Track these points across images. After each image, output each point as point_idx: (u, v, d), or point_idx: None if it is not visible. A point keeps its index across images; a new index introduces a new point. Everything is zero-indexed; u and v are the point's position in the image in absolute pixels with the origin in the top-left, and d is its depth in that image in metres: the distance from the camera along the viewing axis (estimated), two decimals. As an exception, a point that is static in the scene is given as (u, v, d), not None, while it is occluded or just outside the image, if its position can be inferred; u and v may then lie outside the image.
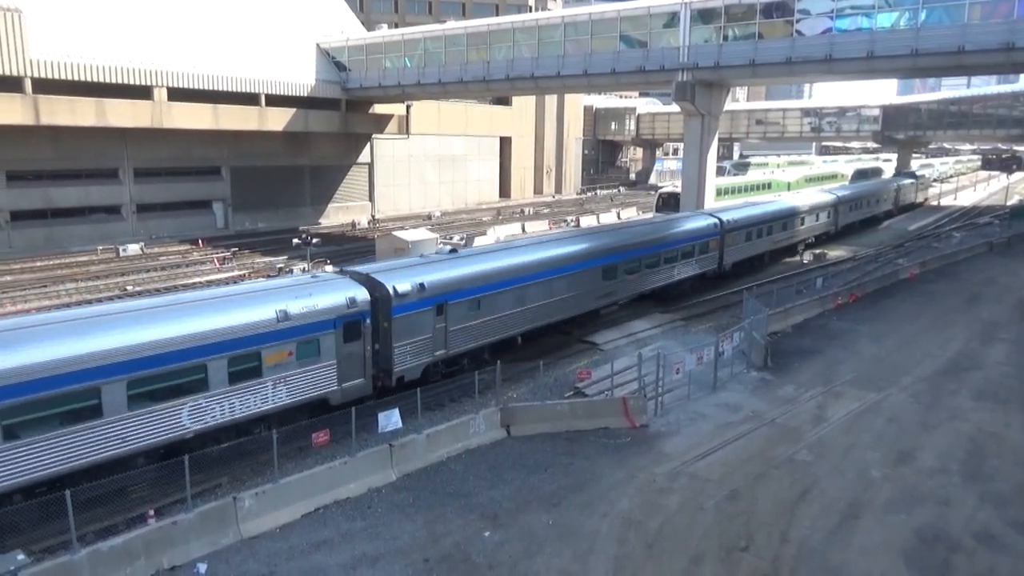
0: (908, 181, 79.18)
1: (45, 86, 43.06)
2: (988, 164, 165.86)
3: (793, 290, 33.76)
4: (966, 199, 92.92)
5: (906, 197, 75.86)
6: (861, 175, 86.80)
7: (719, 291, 37.52)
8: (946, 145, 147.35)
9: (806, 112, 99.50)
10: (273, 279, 23.88)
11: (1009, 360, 26.21)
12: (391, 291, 20.79)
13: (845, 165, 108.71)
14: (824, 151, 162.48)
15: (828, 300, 33.63)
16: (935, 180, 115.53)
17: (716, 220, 37.76)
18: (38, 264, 42.67)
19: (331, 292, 19.77)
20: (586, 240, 30.87)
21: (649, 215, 55.62)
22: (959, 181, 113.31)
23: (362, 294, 20.22)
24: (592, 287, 28.94)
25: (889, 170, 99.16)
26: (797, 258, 48.35)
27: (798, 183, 74.11)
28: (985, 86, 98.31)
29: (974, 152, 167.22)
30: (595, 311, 29.97)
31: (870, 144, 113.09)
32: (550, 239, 30.70)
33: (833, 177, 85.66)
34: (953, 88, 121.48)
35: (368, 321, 20.20)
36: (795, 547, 14.50)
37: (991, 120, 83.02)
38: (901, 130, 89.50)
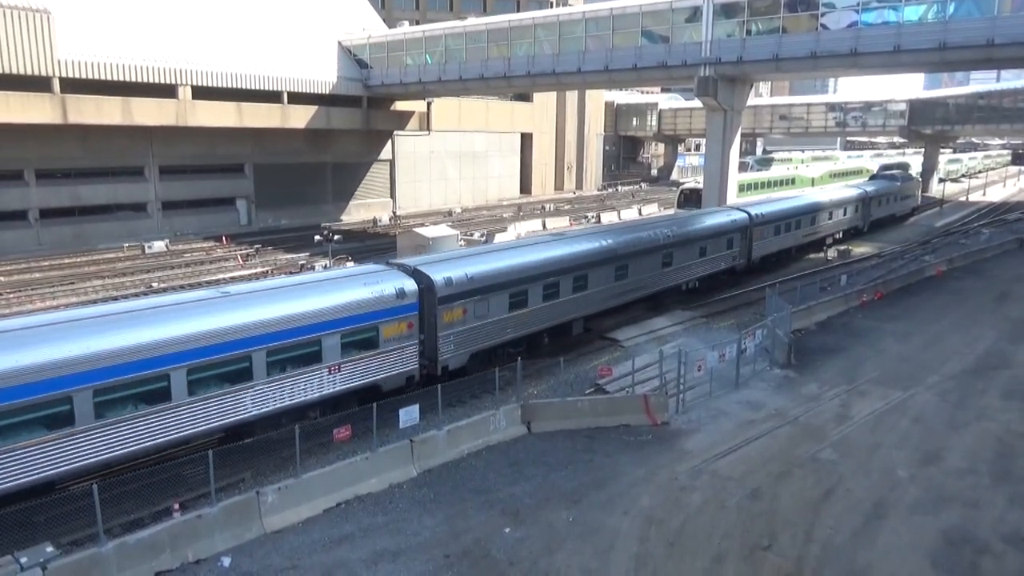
0: (891, 185, 60.92)
1: (73, 85, 43.71)
2: (1019, 159, 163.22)
3: (817, 287, 33.37)
4: (995, 195, 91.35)
5: (888, 207, 59.46)
6: (886, 170, 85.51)
7: (741, 288, 37.24)
8: (975, 140, 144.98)
9: (831, 107, 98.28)
10: None
11: (1039, 359, 25.72)
12: None
13: (871, 160, 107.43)
14: (849, 146, 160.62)
15: (853, 297, 33.23)
16: (962, 175, 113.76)
17: (404, 285, 20.97)
18: (66, 261, 43.36)
19: None
20: None
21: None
22: (988, 176, 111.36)
23: None
24: None
25: (916, 165, 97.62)
26: (821, 254, 47.82)
27: (822, 178, 73.35)
28: (1016, 80, 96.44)
29: (1004, 147, 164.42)
30: None
31: (896, 139, 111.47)
32: None
33: (858, 172, 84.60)
34: (982, 82, 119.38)
35: None
36: (819, 547, 14.34)
37: (1022, 114, 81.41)
38: (928, 125, 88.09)
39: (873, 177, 66.93)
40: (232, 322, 17.35)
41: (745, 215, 38.43)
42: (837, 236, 50.67)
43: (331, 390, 19.47)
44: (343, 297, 19.77)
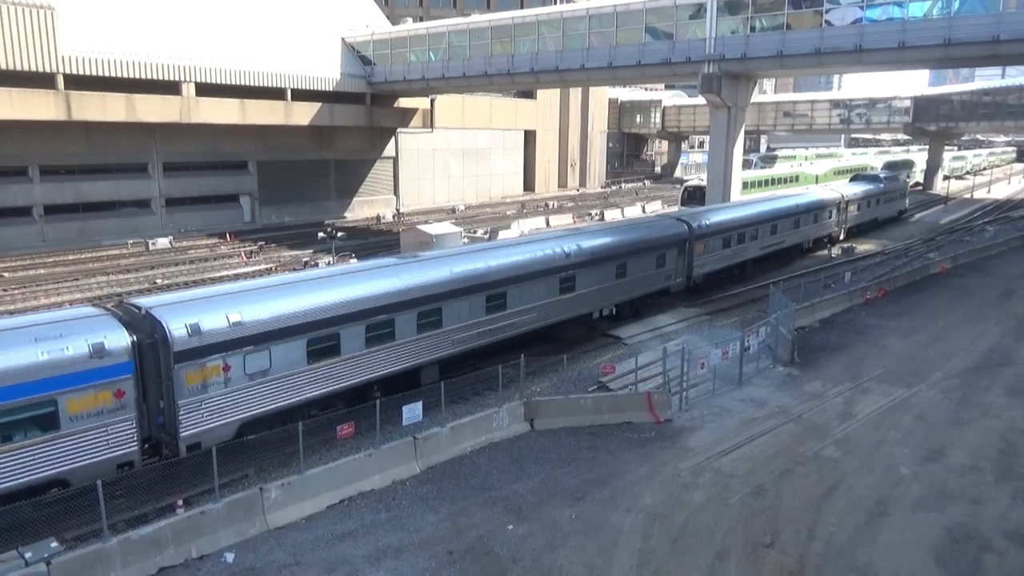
0: (874, 187, 55.00)
1: (77, 82, 43.73)
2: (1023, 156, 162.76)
3: (821, 284, 33.35)
4: (1000, 192, 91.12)
5: (869, 211, 54.35)
6: (891, 167, 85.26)
7: (745, 285, 37.17)
8: (979, 137, 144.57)
9: (835, 104, 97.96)
10: None
11: (1044, 356, 25.67)
12: None
13: (875, 157, 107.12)
14: (853, 143, 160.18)
15: (857, 295, 33.19)
16: (966, 172, 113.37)
17: (105, 339, 15.38)
18: (70, 257, 43.44)
19: None
20: None
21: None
22: (992, 173, 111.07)
23: None
24: None
25: (921, 162, 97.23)
26: (825, 252, 47.70)
27: (826, 175, 73.06)
28: (1021, 76, 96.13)
29: (1008, 144, 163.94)
30: None
31: (901, 136, 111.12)
32: None
33: (863, 169, 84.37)
34: (987, 79, 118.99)
35: None
36: (822, 544, 14.34)
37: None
38: (933, 122, 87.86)
39: (854, 178, 60.58)
40: None
41: (684, 226, 32.91)
42: (807, 246, 46.53)
43: None
44: None
